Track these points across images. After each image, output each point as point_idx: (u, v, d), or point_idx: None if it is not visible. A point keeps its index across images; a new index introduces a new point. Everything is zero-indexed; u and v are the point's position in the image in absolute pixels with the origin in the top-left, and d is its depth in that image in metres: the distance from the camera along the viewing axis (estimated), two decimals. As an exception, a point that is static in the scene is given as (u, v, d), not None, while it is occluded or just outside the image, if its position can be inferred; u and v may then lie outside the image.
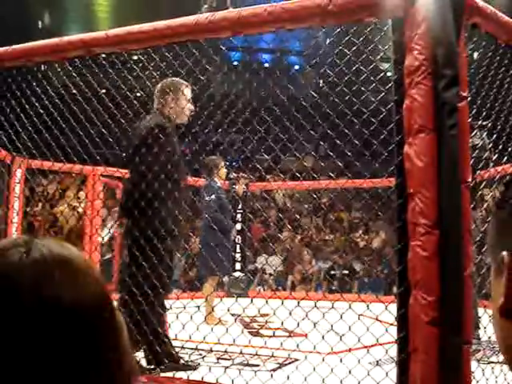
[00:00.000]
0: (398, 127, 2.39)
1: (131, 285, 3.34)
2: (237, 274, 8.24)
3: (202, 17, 2.69)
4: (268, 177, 12.73)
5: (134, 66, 3.93)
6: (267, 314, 4.75)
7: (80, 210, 11.20)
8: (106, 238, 3.50)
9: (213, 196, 5.58)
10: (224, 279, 7.45)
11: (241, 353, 3.95)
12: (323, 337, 2.88)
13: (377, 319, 3.21)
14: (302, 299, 3.31)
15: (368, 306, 2.78)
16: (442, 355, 2.16)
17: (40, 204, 11.50)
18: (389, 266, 9.55)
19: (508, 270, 0.71)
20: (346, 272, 9.30)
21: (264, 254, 9.68)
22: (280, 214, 10.90)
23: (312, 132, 3.32)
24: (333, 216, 11.38)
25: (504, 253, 0.72)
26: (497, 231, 0.78)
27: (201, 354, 4.03)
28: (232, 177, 6.78)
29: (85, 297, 0.69)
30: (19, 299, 0.66)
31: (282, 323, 3.22)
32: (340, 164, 3.72)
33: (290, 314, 2.98)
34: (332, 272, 9.20)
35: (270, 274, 9.39)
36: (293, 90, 3.59)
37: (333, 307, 2.91)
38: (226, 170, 5.88)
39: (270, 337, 4.15)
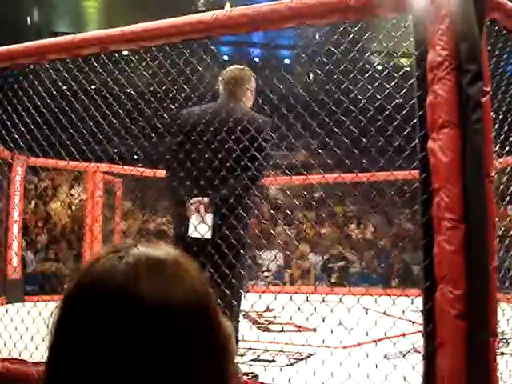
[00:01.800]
0: (421, 122, 2.40)
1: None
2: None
3: (221, 13, 2.68)
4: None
5: (135, 62, 3.82)
6: (272, 309, 4.77)
7: (73, 207, 11.16)
8: (207, 235, 3.08)
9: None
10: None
11: (250, 348, 3.96)
12: (332, 331, 2.88)
13: (384, 313, 3.22)
14: (312, 293, 3.32)
15: (376, 299, 2.78)
16: (469, 348, 2.17)
17: (33, 202, 11.43)
18: (386, 259, 9.61)
19: None
20: (342, 264, 9.34)
21: (261, 250, 9.70)
22: (274, 210, 10.88)
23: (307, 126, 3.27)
24: (327, 210, 11.40)
25: None
26: None
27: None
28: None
29: (174, 300, 0.69)
30: (106, 303, 0.67)
31: (291, 318, 3.21)
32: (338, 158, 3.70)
33: (299, 309, 2.98)
34: (329, 265, 9.24)
35: (268, 270, 9.38)
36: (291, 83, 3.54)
37: (340, 301, 2.89)
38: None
39: (280, 332, 4.17)
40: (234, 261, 3.04)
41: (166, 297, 0.68)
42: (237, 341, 3.12)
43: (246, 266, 3.27)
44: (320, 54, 3.18)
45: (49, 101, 3.68)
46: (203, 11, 3.73)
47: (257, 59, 16.92)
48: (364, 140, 2.96)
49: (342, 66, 2.96)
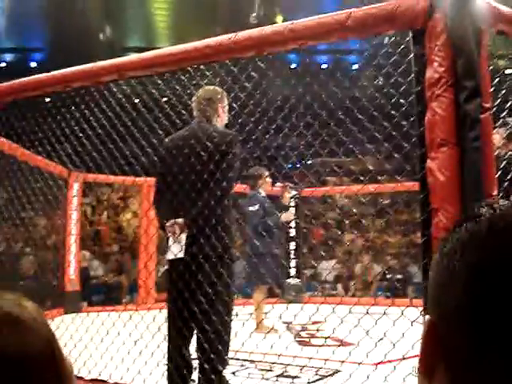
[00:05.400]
0: (421, 141, 2.35)
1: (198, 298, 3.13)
2: (291, 280, 8.25)
3: (226, 37, 2.73)
4: (330, 179, 12.69)
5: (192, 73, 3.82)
6: (319, 322, 4.75)
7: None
8: (180, 254, 3.23)
9: (257, 206, 5.62)
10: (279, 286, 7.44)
11: (273, 363, 3.94)
12: (376, 345, 2.79)
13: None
14: (354, 305, 3.25)
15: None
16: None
17: (105, 213, 11.87)
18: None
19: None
20: (401, 277, 9.12)
21: (323, 259, 9.63)
22: (340, 217, 10.80)
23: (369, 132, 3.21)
24: (394, 217, 11.19)
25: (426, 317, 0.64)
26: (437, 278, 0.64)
27: (243, 366, 4.07)
28: (277, 186, 6.74)
29: (26, 353, 0.74)
30: None
31: (334, 331, 3.16)
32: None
33: (342, 321, 2.95)
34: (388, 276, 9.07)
35: (326, 281, 9.30)
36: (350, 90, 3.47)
37: (385, 314, 2.80)
38: (270, 180, 5.89)
39: (320, 346, 4.14)
40: (215, 275, 3.12)
41: (22, 351, 0.75)
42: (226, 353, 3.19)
43: (231, 278, 3.29)
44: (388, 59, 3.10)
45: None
46: (255, 25, 3.77)
47: (324, 66, 16.90)
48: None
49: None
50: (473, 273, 0.58)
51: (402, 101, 2.96)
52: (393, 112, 2.99)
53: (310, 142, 3.73)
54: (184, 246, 3.18)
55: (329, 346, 4.27)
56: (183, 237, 3.18)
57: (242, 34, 2.71)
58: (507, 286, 0.55)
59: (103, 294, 8.32)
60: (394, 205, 11.71)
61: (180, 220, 3.22)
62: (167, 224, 3.25)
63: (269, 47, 2.71)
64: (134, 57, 3.01)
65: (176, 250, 3.18)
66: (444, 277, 0.62)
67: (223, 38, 2.74)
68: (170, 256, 3.22)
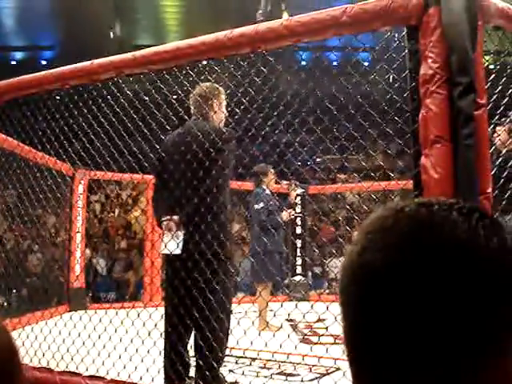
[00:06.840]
0: (415, 138, 2.33)
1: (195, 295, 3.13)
2: (297, 277, 8.20)
3: (222, 34, 2.72)
4: (339, 176, 12.64)
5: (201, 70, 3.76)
6: (323, 320, 4.72)
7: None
8: (177, 251, 3.22)
9: (261, 204, 5.59)
10: (285, 283, 7.44)
11: (266, 360, 3.93)
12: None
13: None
14: None
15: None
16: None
17: (116, 211, 11.90)
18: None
19: None
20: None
21: (330, 257, 9.58)
22: (348, 214, 10.74)
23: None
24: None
25: None
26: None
27: (237, 362, 4.08)
28: (283, 184, 6.71)
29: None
30: None
31: (327, 329, 3.15)
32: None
33: (336, 319, 2.94)
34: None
35: (332, 279, 9.23)
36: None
37: None
38: (273, 177, 5.84)
39: (315, 344, 4.13)
40: (210, 273, 3.13)
41: None
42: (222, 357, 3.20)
43: (228, 276, 3.28)
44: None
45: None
46: (261, 21, 3.78)
47: (335, 63, 16.83)
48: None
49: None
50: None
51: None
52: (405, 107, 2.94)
53: (319, 139, 3.67)
54: (181, 243, 3.19)
55: (323, 344, 4.27)
56: (180, 234, 3.19)
57: (237, 31, 2.70)
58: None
59: (110, 291, 8.37)
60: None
61: (175, 217, 3.24)
62: (162, 219, 3.27)
63: (263, 44, 2.69)
64: (130, 54, 3.00)
65: (172, 247, 3.19)
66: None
67: (218, 35, 2.73)
68: (165, 251, 3.25)
